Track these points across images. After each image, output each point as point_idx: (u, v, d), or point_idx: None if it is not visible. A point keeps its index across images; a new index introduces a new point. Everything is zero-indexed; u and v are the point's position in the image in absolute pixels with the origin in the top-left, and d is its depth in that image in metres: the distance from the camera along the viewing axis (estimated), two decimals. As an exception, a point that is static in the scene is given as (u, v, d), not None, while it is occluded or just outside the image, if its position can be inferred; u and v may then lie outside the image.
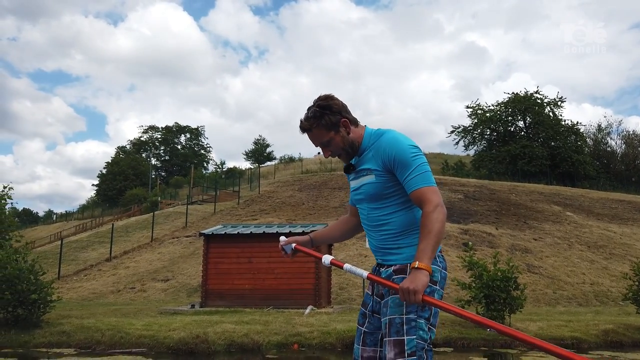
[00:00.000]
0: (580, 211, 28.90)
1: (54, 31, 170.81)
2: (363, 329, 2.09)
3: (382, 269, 2.06)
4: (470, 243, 10.81)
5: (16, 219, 9.65)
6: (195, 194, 36.04)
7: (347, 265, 2.08)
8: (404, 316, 1.84)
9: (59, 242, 20.41)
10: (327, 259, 2.14)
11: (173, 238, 23.27)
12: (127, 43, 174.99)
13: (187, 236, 23.18)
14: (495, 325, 1.73)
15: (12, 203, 9.30)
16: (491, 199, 29.56)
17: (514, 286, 9.50)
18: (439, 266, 2.00)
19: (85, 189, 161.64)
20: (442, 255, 2.05)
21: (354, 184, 2.17)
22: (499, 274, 9.47)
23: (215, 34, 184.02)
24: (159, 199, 37.67)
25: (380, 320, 2.03)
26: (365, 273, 2.02)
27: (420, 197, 1.93)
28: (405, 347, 1.81)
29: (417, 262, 1.83)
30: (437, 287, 1.97)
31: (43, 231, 41.81)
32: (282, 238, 2.35)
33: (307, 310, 11.12)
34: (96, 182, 63.56)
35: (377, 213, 2.05)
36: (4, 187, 9.41)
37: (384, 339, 1.88)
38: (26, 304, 8.07)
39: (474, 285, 9.67)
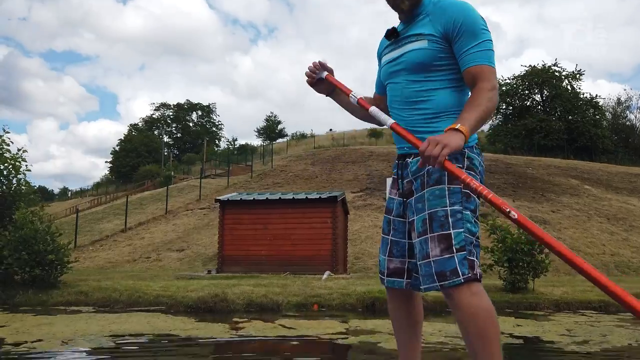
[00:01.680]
0: (598, 185, 28.38)
1: (63, 10, 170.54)
2: (389, 237, 1.83)
3: (409, 159, 1.78)
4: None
5: (34, 195, 9.57)
6: (208, 168, 36.03)
7: (372, 108, 1.79)
8: (448, 208, 1.59)
9: (75, 215, 20.49)
10: (354, 96, 1.87)
11: (187, 210, 23.28)
12: (136, 22, 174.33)
13: (201, 208, 23.16)
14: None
15: (26, 165, 9.15)
16: (507, 173, 29.11)
17: (538, 250, 9.24)
18: (478, 157, 1.74)
19: (99, 168, 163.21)
20: (479, 148, 1.78)
21: (391, 55, 1.84)
22: (523, 237, 9.20)
23: (225, 12, 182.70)
24: (172, 173, 37.73)
25: (407, 224, 1.78)
26: (390, 121, 1.73)
27: (478, 74, 1.65)
28: (453, 242, 1.55)
29: (458, 124, 1.55)
30: (478, 177, 1.70)
31: (59, 207, 42.21)
32: (316, 63, 2.01)
33: (325, 276, 10.99)
34: (109, 159, 63.96)
35: (415, 87, 1.74)
36: (18, 150, 9.27)
37: (423, 237, 1.61)
38: (43, 264, 8.00)
39: (496, 249, 9.43)
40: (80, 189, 61.31)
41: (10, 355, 3.73)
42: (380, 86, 1.99)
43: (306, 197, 12.42)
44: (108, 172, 65.13)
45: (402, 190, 1.80)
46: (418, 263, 1.63)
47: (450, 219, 1.58)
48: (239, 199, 12.65)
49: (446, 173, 1.62)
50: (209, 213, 22.06)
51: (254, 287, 8.49)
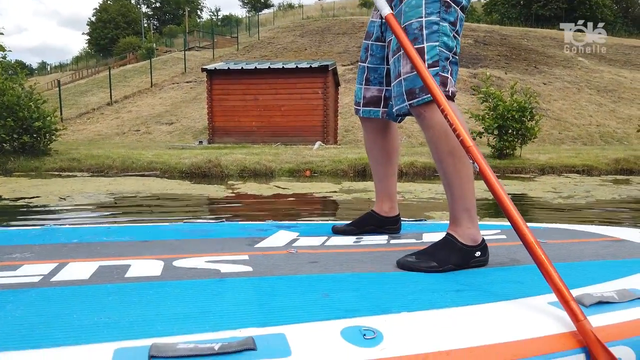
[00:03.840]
0: (592, 57, 27.87)
1: None
2: (366, 64, 1.68)
3: None
4: (487, 73, 10.34)
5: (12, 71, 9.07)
6: (192, 40, 34.45)
7: None
8: (424, 19, 1.39)
9: (58, 89, 19.83)
10: None
11: (173, 84, 22.67)
12: None
13: (187, 82, 22.56)
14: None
15: (-2, 28, 8.56)
16: (502, 44, 28.33)
17: (529, 117, 9.28)
18: None
19: (76, 41, 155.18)
20: None
21: None
22: (515, 104, 9.18)
23: None
24: (154, 46, 36.10)
25: (385, 48, 1.61)
26: (387, 10, 1.47)
27: None
28: (426, 57, 1.38)
29: None
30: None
31: (40, 81, 40.85)
32: None
33: (316, 146, 11.07)
34: (86, 31, 60.61)
35: None
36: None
37: (396, 55, 1.46)
38: (31, 131, 7.89)
39: (487, 117, 9.44)
40: (60, 63, 58.76)
41: (9, 207, 3.78)
42: None
43: (296, 66, 12.01)
44: (86, 45, 62.09)
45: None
46: (392, 84, 1.49)
47: (424, 31, 1.39)
48: (226, 68, 12.21)
49: None
50: (196, 86, 21.52)
51: (246, 156, 8.56)
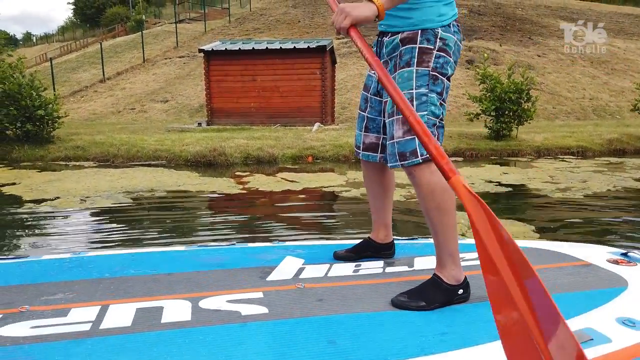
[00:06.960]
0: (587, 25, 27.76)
1: None
2: (365, 114, 1.88)
3: (385, 38, 1.74)
4: (486, 54, 10.38)
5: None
6: (182, 12, 33.80)
7: None
8: (414, 91, 1.61)
9: (47, 64, 19.54)
10: None
11: (166, 59, 22.39)
12: None
13: (180, 57, 22.28)
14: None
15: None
16: (496, 14, 28.10)
17: (526, 98, 9.41)
18: (454, 36, 1.67)
19: (59, 10, 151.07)
20: (457, 25, 1.71)
21: None
22: (513, 86, 9.29)
23: None
24: (144, 17, 35.37)
25: (382, 103, 1.80)
26: None
27: None
28: None
29: None
30: (450, 59, 1.65)
31: (26, 54, 39.94)
32: None
33: (315, 127, 11.16)
34: (71, 0, 58.95)
35: None
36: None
37: (390, 119, 1.67)
38: (34, 120, 7.93)
39: (484, 98, 9.56)
40: (45, 34, 57.53)
41: (38, 212, 3.91)
42: None
43: (294, 46, 11.95)
44: (72, 15, 60.58)
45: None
46: (387, 142, 1.71)
47: (415, 102, 1.61)
48: (223, 48, 12.11)
49: (415, 55, 1.62)
50: (189, 62, 21.28)
51: (248, 141, 8.67)
